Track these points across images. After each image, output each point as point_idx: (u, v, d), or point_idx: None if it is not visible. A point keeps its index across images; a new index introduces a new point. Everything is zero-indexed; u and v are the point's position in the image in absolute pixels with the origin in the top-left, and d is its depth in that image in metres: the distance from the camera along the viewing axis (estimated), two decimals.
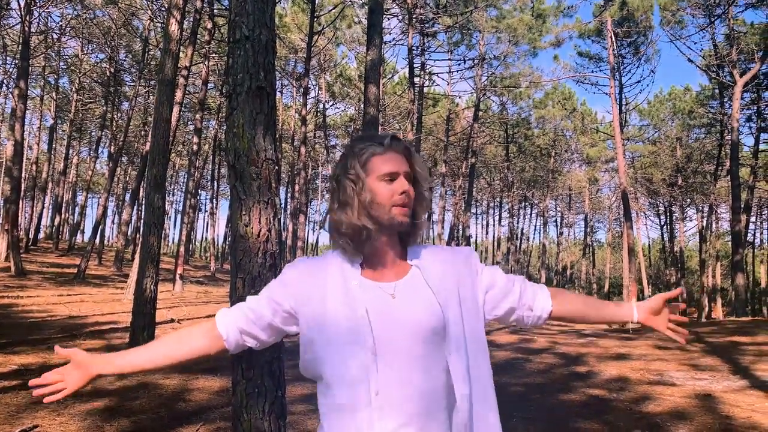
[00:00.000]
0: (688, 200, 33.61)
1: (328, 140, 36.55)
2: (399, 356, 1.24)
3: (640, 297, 33.05)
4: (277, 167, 3.09)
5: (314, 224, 55.97)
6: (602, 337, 11.55)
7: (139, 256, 8.30)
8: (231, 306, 1.48)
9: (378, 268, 1.35)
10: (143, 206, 7.73)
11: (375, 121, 9.92)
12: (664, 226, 39.54)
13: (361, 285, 1.30)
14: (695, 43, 44.93)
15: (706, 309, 30.03)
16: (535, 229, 54.13)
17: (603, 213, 44.23)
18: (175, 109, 14.14)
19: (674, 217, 36.00)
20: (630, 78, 26.92)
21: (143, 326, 7.55)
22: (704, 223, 32.05)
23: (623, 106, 25.71)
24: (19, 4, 18.50)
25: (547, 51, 28.75)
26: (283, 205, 41.25)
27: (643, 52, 25.15)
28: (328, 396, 1.29)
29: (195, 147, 20.95)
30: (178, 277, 18.77)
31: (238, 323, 1.39)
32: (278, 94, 37.22)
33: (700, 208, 33.58)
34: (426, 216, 1.40)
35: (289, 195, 35.86)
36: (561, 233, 46.07)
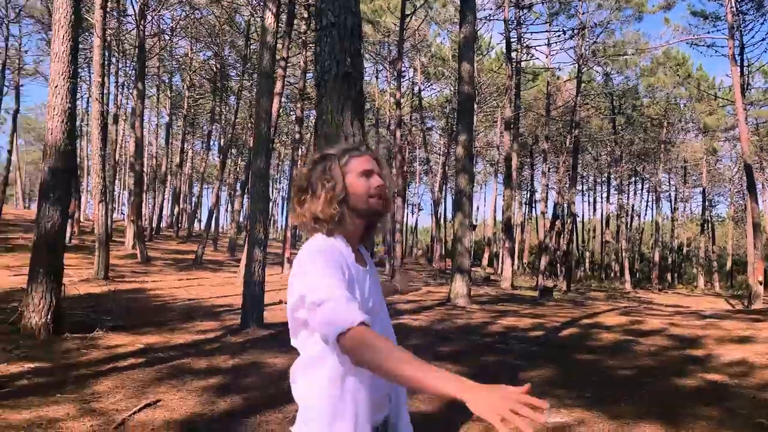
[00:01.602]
0: None
1: (424, 123, 36.44)
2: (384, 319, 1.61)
3: None
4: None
5: (412, 207, 56.27)
6: (724, 319, 10.74)
7: (247, 243, 8.74)
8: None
9: (354, 252, 1.59)
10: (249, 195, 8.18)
11: (470, 99, 9.75)
12: None
13: (356, 268, 1.54)
14: None
15: None
16: (646, 206, 51.12)
17: (723, 186, 40.80)
18: (276, 100, 14.67)
19: None
20: (752, 37, 24.58)
21: (253, 307, 7.97)
22: None
23: (744, 68, 23.44)
24: (134, 10, 19.89)
25: (654, 15, 26.73)
26: None
27: (767, 7, 22.76)
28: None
29: (297, 136, 21.65)
30: (286, 260, 19.62)
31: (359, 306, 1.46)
32: (374, 79, 37.57)
33: None
34: (388, 215, 1.66)
35: None
36: (675, 209, 43.07)
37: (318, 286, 1.38)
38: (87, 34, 22.14)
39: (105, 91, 25.60)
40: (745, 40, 23.28)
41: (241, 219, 30.13)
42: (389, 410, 1.59)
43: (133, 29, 22.78)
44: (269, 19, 8.47)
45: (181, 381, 5.35)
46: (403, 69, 30.01)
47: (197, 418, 4.37)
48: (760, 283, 17.07)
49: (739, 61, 21.82)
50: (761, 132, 31.18)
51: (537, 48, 26.44)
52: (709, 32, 25.47)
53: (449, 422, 4.36)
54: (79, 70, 24.46)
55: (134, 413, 4.38)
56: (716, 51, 24.05)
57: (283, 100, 30.87)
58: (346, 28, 3.11)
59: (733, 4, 20.96)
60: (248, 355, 6.49)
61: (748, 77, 24.81)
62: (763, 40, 23.17)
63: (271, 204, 54.24)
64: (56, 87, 7.03)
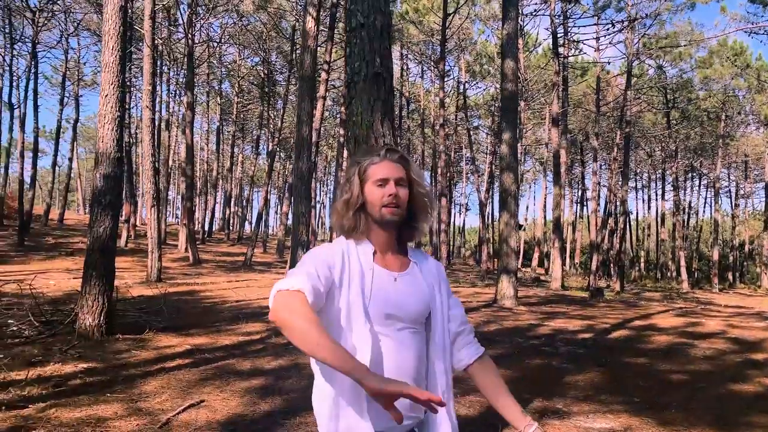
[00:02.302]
0: None
1: (470, 122, 36.11)
2: (392, 332, 1.53)
3: None
4: None
5: (459, 207, 55.83)
6: None
7: (291, 244, 8.84)
8: None
9: (385, 258, 1.62)
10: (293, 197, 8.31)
11: (513, 97, 9.59)
12: None
13: (374, 271, 1.57)
14: None
15: None
16: (704, 202, 49.18)
17: None
18: (319, 104, 14.82)
19: None
20: None
21: None
22: None
23: None
24: (183, 19, 20.46)
25: (708, 6, 25.66)
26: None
27: None
28: None
29: (341, 139, 21.81)
30: None
31: (311, 282, 1.47)
32: (418, 79, 37.48)
33: None
34: (429, 215, 1.67)
35: (433, 179, 36.08)
36: (736, 205, 41.27)
37: (289, 272, 1.50)
38: (139, 43, 22.93)
39: (157, 99, 26.57)
40: None
41: (288, 221, 30.55)
42: (422, 414, 1.57)
43: (182, 38, 23.46)
44: (310, 23, 8.55)
45: (225, 382, 5.44)
46: (447, 68, 29.87)
47: (238, 419, 4.43)
48: None
49: None
50: None
51: (585, 42, 25.86)
52: None
53: (489, 424, 4.27)
54: (133, 78, 25.41)
55: (178, 413, 4.48)
56: None
57: (328, 102, 31.31)
58: (375, 29, 3.08)
59: None
60: (290, 356, 6.55)
61: None
62: None
63: (318, 206, 55.03)
64: (106, 96, 7.28)
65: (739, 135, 34.76)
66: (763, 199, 38.31)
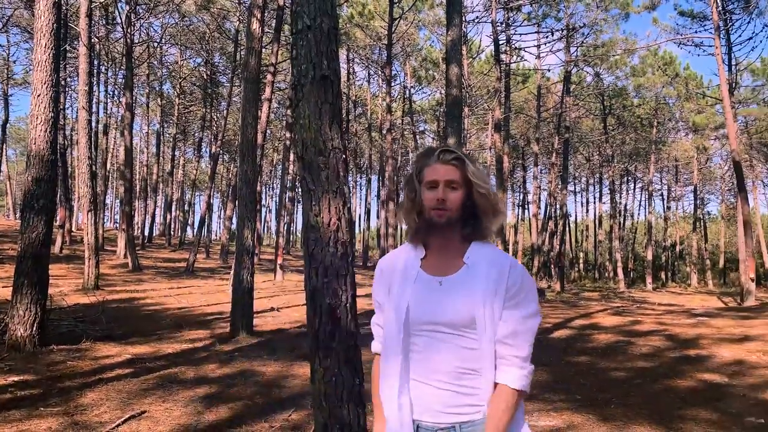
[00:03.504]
0: None
1: (416, 126, 36.44)
2: (431, 336, 1.56)
3: (759, 271, 30.48)
4: (344, 156, 3.07)
5: None
6: (715, 317, 10.74)
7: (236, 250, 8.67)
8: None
9: (436, 261, 1.63)
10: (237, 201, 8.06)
11: (458, 102, 9.72)
12: None
13: (417, 276, 1.62)
14: None
15: None
16: (639, 205, 51.29)
17: (714, 184, 40.98)
18: (265, 106, 14.64)
19: None
20: (740, 35, 24.71)
21: (242, 316, 7.90)
22: None
23: (732, 67, 23.52)
24: (121, 18, 19.80)
25: (641, 15, 26.81)
26: (376, 194, 41.75)
27: (754, 5, 22.83)
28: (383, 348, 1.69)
29: (288, 142, 21.58)
30: (278, 267, 19.53)
31: (381, 338, 1.73)
32: (365, 83, 37.55)
33: None
34: (493, 214, 1.62)
35: (380, 183, 36.20)
36: (668, 207, 43.24)
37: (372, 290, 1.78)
38: (75, 42, 22.04)
39: (94, 100, 25.56)
40: (732, 39, 23.39)
41: (232, 225, 29.99)
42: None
43: (120, 38, 22.69)
44: (254, 25, 8.43)
45: (168, 392, 5.28)
46: (393, 73, 30.03)
47: (182, 429, 4.31)
48: (752, 280, 17.10)
49: (726, 60, 21.94)
50: (750, 130, 31.34)
51: (526, 50, 26.45)
52: (696, 32, 25.57)
53: None
54: (68, 78, 24.37)
55: (118, 425, 4.31)
56: (704, 50, 24.15)
57: (274, 105, 30.92)
58: (322, 31, 3.07)
59: (720, 4, 21.07)
60: (237, 364, 6.42)
61: (736, 75, 24.92)
62: (750, 39, 23.21)
63: (264, 210, 54.22)
64: (39, 96, 6.96)
65: (671, 141, 36.42)
66: (693, 201, 40.30)
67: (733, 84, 23.83)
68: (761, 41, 52.54)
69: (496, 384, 1.53)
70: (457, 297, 1.55)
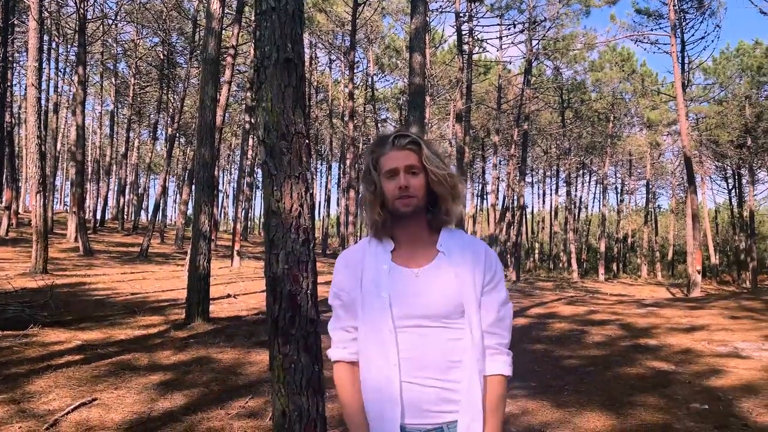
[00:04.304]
0: (759, 162, 31.76)
1: (378, 114, 36.36)
2: (415, 330, 1.48)
3: (706, 264, 31.73)
4: (307, 141, 3.03)
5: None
6: (664, 307, 11.11)
7: (192, 235, 8.49)
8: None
9: (407, 253, 1.55)
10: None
11: (421, 91, 9.71)
12: (732, 190, 37.63)
13: (390, 269, 1.52)
14: None
15: None
16: (594, 197, 52.61)
17: (666, 178, 42.30)
18: (224, 89, 14.32)
19: (743, 181, 34.16)
20: (693, 35, 25.30)
21: (198, 302, 7.76)
22: None
23: (686, 65, 24.28)
24: None
25: (601, 10, 27.41)
26: (336, 181, 41.54)
27: (707, 6, 23.55)
28: (362, 350, 1.56)
29: (247, 126, 21.22)
30: (235, 253, 19.26)
31: (345, 343, 1.60)
32: (327, 69, 37.20)
33: None
34: (453, 197, 1.56)
35: (340, 171, 36.03)
36: (621, 200, 44.48)
37: (330, 291, 1.63)
38: (24, 16, 21.10)
39: (44, 77, 24.55)
40: (686, 38, 24.11)
41: (188, 210, 29.43)
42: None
43: (73, 13, 21.81)
44: (215, 5, 8.22)
45: (121, 379, 5.15)
46: (356, 60, 29.84)
47: (135, 416, 4.21)
48: (699, 272, 17.79)
49: (680, 58, 22.58)
50: (701, 127, 32.46)
51: (488, 41, 26.75)
52: (652, 29, 26.25)
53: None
54: (16, 53, 23.33)
55: (68, 413, 4.19)
56: (659, 48, 24.81)
57: (234, 88, 30.30)
58: (287, 13, 3.01)
59: (675, 3, 21.65)
60: (192, 351, 6.31)
61: (689, 74, 25.73)
62: (703, 38, 24.00)
63: (221, 195, 53.35)
64: None
65: (625, 135, 37.38)
66: (645, 195, 41.58)
67: (686, 82, 24.60)
68: (713, 41, 54.43)
69: (485, 376, 1.52)
70: (438, 287, 1.49)
